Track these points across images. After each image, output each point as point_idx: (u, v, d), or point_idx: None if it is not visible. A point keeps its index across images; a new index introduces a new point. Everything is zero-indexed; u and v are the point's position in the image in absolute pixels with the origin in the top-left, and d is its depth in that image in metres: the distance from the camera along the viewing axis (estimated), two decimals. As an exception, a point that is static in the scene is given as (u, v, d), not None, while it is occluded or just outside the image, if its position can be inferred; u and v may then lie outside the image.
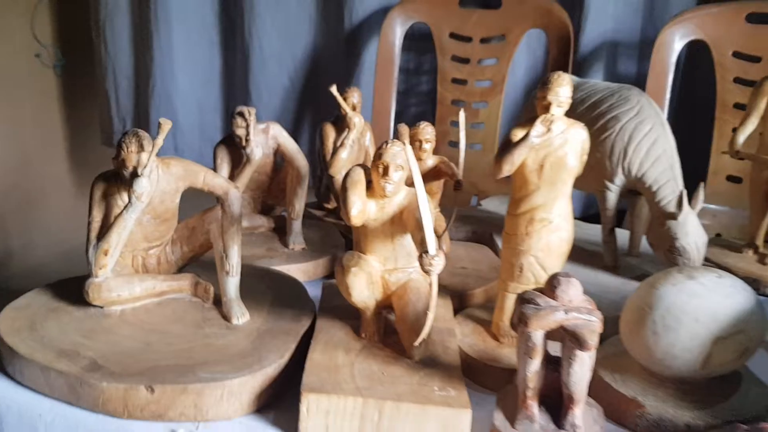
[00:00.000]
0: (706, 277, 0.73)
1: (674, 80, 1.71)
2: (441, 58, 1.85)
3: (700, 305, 0.70)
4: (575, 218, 0.82)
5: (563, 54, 1.73)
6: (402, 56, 1.89)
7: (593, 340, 0.63)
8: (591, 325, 0.63)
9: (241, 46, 1.94)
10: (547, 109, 0.76)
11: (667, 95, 1.62)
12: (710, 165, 1.59)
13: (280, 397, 0.75)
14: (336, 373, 0.71)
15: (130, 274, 0.84)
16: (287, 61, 1.96)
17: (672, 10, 1.77)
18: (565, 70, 1.72)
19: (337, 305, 0.85)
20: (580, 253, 1.08)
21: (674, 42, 1.61)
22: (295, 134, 1.99)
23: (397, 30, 1.84)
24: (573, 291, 0.65)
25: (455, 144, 1.77)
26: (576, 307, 0.64)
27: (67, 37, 2.30)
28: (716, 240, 1.20)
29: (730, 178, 1.57)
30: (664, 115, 1.62)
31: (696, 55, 1.74)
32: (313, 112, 1.97)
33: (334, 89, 1.18)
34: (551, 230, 0.79)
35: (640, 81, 1.70)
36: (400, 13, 1.84)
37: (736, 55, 1.59)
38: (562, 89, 0.75)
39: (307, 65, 1.95)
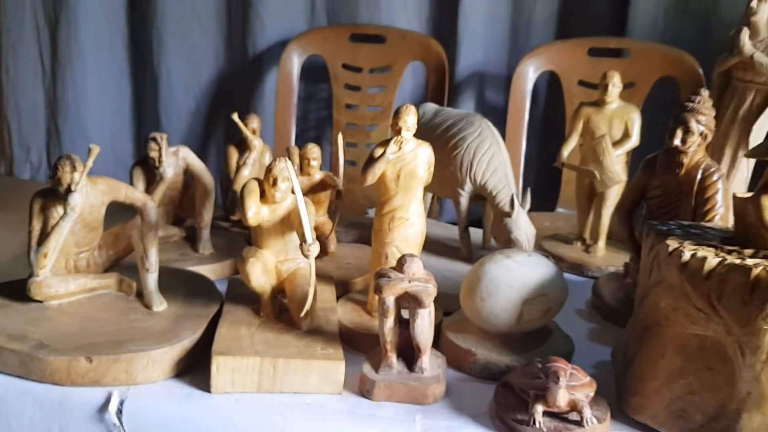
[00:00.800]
0: (519, 256, 0.97)
1: (535, 105, 2.00)
2: (335, 86, 2.08)
3: (512, 276, 0.94)
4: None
5: (440, 82, 2.00)
6: (301, 85, 2.10)
7: (428, 300, 0.85)
8: (427, 290, 0.85)
9: (150, 75, 2.11)
10: (399, 132, 0.98)
11: (526, 117, 1.90)
12: (563, 176, 1.87)
13: (195, 365, 0.93)
14: (239, 341, 0.91)
15: (65, 274, 1.01)
16: (194, 89, 2.14)
17: (532, 44, 2.06)
18: (442, 97, 1.98)
19: (240, 294, 1.05)
20: (443, 248, 1.32)
21: (529, 73, 1.90)
22: (204, 155, 2.16)
23: (294, 61, 2.06)
24: (415, 266, 0.87)
25: (349, 162, 1.99)
26: (417, 278, 0.86)
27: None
28: (554, 236, 1.46)
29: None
30: (523, 135, 1.91)
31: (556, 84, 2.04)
32: (220, 135, 2.16)
33: (235, 116, 1.38)
34: (408, 226, 1.01)
35: (506, 106, 1.98)
36: (297, 47, 2.06)
37: (581, 83, 1.90)
38: (409, 117, 0.98)
39: (213, 92, 2.14)
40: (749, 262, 0.78)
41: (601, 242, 1.36)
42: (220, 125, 2.16)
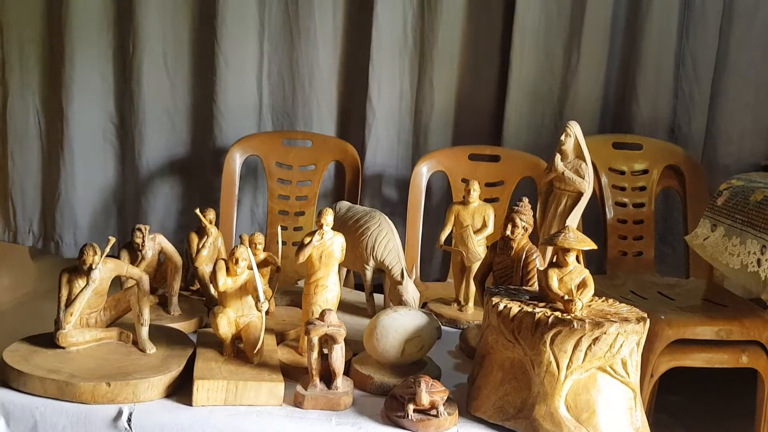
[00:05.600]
0: (402, 311, 1.44)
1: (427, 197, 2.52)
2: (270, 180, 2.54)
3: (397, 324, 1.40)
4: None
5: (355, 178, 2.49)
6: (242, 179, 2.55)
7: (340, 338, 1.30)
8: (339, 331, 1.30)
9: (130, 163, 2.56)
10: (321, 227, 1.45)
11: (422, 207, 2.41)
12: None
13: (180, 388, 1.33)
14: (212, 371, 1.33)
15: (81, 328, 1.40)
16: (169, 177, 2.59)
17: (431, 148, 2.60)
18: (357, 190, 2.47)
19: (207, 341, 1.46)
20: (353, 307, 1.77)
21: (424, 173, 2.42)
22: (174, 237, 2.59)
23: (237, 160, 2.52)
24: (332, 317, 1.32)
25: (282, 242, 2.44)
26: (333, 324, 1.31)
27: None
28: (439, 299, 1.94)
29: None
30: (420, 220, 2.41)
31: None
32: (188, 220, 2.60)
33: (197, 211, 1.81)
34: (327, 291, 1.46)
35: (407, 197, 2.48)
36: (238, 149, 2.52)
37: (464, 180, 2.42)
38: (328, 217, 1.44)
39: (184, 180, 2.60)
40: (536, 310, 1.27)
41: (471, 303, 1.85)
42: (184, 210, 2.62)
